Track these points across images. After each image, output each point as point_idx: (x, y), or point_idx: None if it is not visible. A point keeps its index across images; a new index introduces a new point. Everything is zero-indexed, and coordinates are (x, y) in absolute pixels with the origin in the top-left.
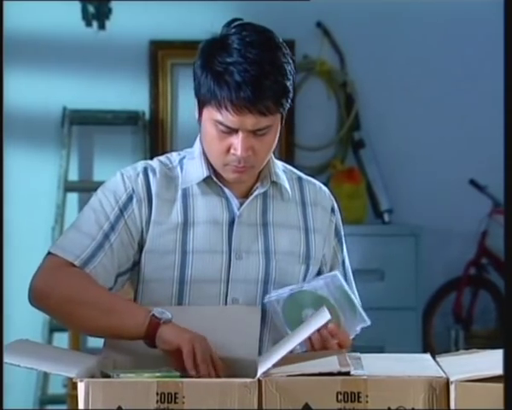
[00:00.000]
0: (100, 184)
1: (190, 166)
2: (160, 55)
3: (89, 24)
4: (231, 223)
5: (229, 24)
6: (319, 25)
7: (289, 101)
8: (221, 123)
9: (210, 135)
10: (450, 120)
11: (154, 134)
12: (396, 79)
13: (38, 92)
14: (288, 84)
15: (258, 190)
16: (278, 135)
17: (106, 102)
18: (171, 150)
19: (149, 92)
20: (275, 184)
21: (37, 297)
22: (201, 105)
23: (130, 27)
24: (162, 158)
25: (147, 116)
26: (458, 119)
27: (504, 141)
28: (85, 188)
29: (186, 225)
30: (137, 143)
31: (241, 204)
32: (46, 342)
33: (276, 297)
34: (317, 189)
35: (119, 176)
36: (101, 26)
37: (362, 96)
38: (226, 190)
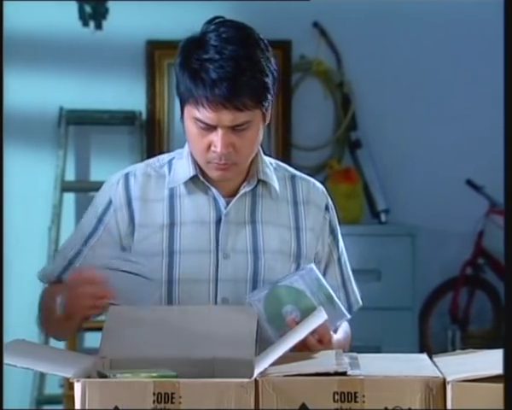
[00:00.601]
0: (96, 184)
1: (178, 165)
2: (157, 55)
3: (86, 24)
4: (218, 222)
5: (209, 22)
6: (316, 25)
7: (269, 97)
8: (199, 120)
9: (191, 133)
10: (446, 120)
11: (151, 134)
12: (393, 79)
13: (35, 92)
14: (267, 80)
15: (245, 189)
16: (262, 131)
17: (102, 102)
18: (168, 150)
19: (146, 92)
20: (264, 182)
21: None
22: (182, 103)
23: (127, 27)
24: (151, 160)
25: (143, 116)
26: (455, 119)
27: (504, 141)
28: (82, 188)
29: (173, 225)
30: (134, 143)
31: (229, 203)
32: (43, 342)
33: (257, 296)
34: (311, 186)
35: (103, 186)
36: (98, 26)
37: (359, 97)
38: (213, 189)
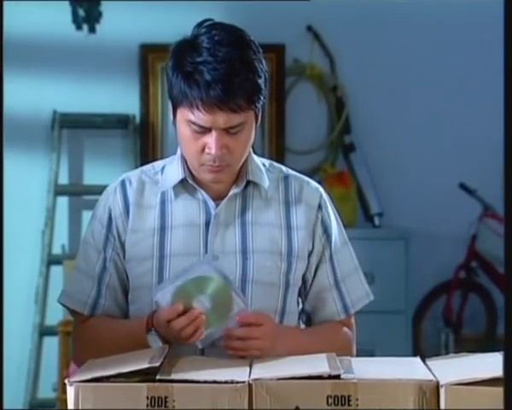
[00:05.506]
0: (90, 187)
1: (169, 170)
2: (151, 59)
3: (79, 27)
4: (208, 224)
5: (199, 25)
6: (309, 29)
7: (262, 98)
8: (194, 123)
9: (184, 136)
10: (440, 124)
11: (145, 137)
12: (386, 83)
13: (28, 95)
14: (260, 81)
15: (233, 191)
16: (254, 132)
17: (96, 106)
18: (162, 153)
19: (140, 96)
20: (254, 183)
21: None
22: (175, 106)
23: (121, 31)
24: (146, 167)
25: (137, 120)
26: (448, 122)
27: (504, 142)
28: (75, 191)
29: (164, 229)
30: (128, 146)
31: (218, 205)
32: (36, 345)
33: (162, 293)
34: (304, 185)
35: (101, 198)
36: (92, 30)
37: (352, 100)
38: (202, 192)
